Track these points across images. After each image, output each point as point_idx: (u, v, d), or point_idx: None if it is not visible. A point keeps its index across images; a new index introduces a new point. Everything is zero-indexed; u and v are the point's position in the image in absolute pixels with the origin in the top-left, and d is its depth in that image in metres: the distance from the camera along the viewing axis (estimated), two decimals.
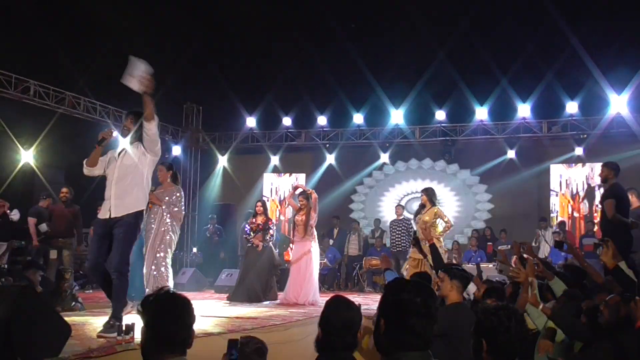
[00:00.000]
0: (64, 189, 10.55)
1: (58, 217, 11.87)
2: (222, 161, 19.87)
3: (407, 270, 9.12)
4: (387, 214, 17.84)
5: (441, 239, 9.37)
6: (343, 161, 18.81)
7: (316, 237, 10.98)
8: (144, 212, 6.62)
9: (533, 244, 14.66)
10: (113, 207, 6.27)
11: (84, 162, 6.57)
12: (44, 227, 10.43)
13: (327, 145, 18.68)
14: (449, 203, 17.87)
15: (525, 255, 6.13)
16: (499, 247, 13.53)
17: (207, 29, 16.91)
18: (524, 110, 16.43)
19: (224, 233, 16.89)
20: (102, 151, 6.55)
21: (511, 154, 17.17)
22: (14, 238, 13.06)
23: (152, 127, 6.36)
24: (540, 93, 15.76)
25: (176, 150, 19.16)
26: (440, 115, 17.14)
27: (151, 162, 6.55)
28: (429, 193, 9.60)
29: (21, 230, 13.61)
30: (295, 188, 11.70)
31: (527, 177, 16.98)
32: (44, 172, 15.78)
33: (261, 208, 11.25)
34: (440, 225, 9.43)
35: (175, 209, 8.75)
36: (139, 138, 6.52)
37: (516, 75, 15.42)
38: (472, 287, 6.14)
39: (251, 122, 18.85)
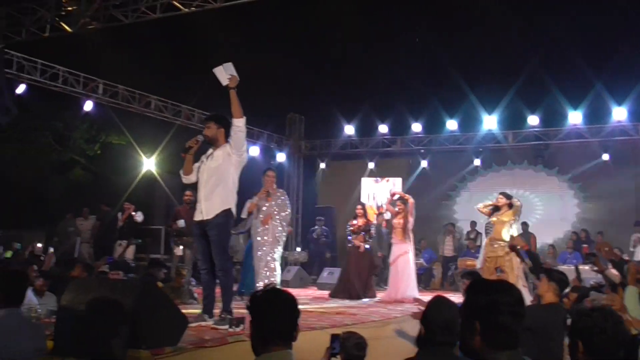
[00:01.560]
0: (188, 192, 10.83)
1: (184, 217, 12.20)
2: (323, 167, 20.08)
3: (483, 270, 8.98)
4: (481, 216, 17.41)
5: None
6: (437, 166, 18.63)
7: (412, 239, 10.82)
8: (234, 211, 6.45)
9: (631, 249, 14.14)
10: (204, 209, 6.20)
11: (180, 172, 6.55)
12: (181, 222, 10.82)
13: (422, 150, 18.50)
14: (543, 206, 17.45)
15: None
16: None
17: (307, 42, 17.12)
18: (619, 113, 15.59)
19: (329, 233, 16.91)
20: (193, 158, 6.47)
21: (605, 157, 16.48)
22: (138, 237, 13.61)
23: (240, 125, 6.21)
24: (637, 95, 14.99)
25: (280, 157, 19.37)
26: (533, 120, 16.54)
27: (237, 163, 6.34)
28: (507, 196, 9.40)
29: (144, 231, 14.36)
30: (392, 195, 11.60)
31: (623, 180, 16.28)
32: (163, 178, 16.48)
33: (361, 210, 11.15)
34: (511, 232, 9.17)
35: (283, 213, 8.81)
36: (225, 139, 6.39)
37: (611, 78, 14.79)
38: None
39: (349, 129, 18.84)
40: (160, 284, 8.48)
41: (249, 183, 8.46)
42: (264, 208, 8.88)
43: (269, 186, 8.96)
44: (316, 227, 16.92)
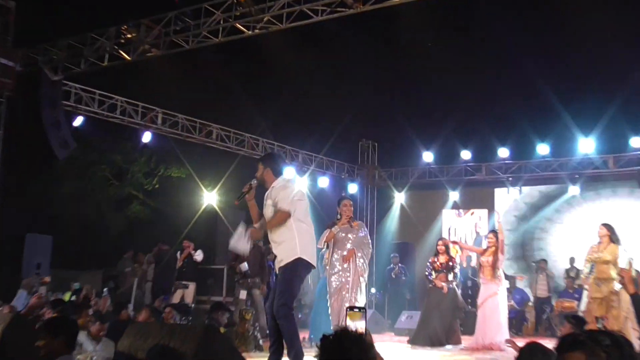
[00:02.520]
0: None
1: (248, 256, 12.21)
2: (399, 198, 19.95)
3: (584, 312, 8.81)
4: (579, 251, 16.90)
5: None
6: (527, 195, 18.36)
7: (503, 278, 10.61)
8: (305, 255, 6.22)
9: None
10: (277, 254, 6.26)
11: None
12: (244, 266, 10.89)
13: (510, 178, 18.18)
14: None
15: None
16: None
17: (379, 64, 17.44)
18: None
19: (407, 272, 16.81)
20: (252, 203, 6.44)
21: None
22: (198, 278, 13.69)
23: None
24: None
25: (352, 188, 19.35)
26: (637, 142, 16.03)
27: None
28: (610, 228, 9.21)
29: (205, 271, 14.46)
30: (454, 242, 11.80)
31: None
32: (225, 213, 16.60)
33: (443, 247, 11.05)
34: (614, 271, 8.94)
35: (366, 249, 8.74)
36: (275, 177, 6.36)
37: None
38: None
39: (428, 156, 18.75)
40: (223, 330, 8.54)
41: (319, 218, 8.43)
42: (348, 243, 8.72)
43: (348, 217, 8.83)
44: (391, 265, 16.84)
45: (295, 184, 6.43)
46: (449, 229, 19.09)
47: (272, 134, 17.27)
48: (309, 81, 16.81)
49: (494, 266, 10.30)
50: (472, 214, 18.82)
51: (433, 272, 11.00)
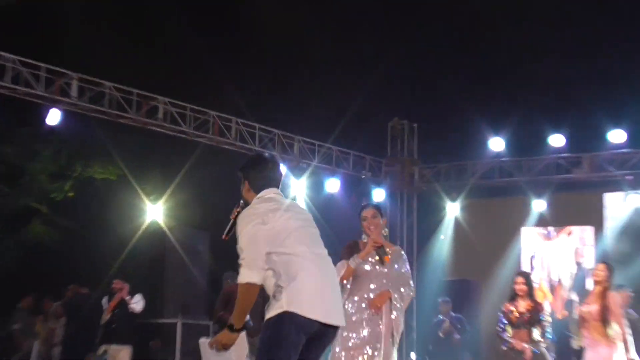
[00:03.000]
0: None
1: None
2: (453, 210, 20.21)
3: None
4: None
5: None
6: None
7: (621, 338, 10.36)
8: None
9: None
10: None
11: None
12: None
13: (629, 176, 18.20)
14: None
15: None
16: None
17: (418, 11, 18.38)
18: None
19: (467, 325, 16.63)
20: None
21: None
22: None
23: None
24: None
25: (378, 195, 19.45)
26: None
27: None
28: None
29: (148, 327, 14.48)
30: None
31: None
32: (179, 234, 16.84)
33: (524, 287, 10.92)
34: None
35: (403, 288, 8.32)
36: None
37: None
38: None
39: (498, 144, 18.85)
40: None
41: (327, 241, 8.20)
42: (376, 280, 8.39)
43: (377, 237, 8.34)
44: (439, 316, 16.76)
45: (271, 202, 6.03)
46: (533, 258, 19.28)
47: (252, 112, 17.55)
48: (308, 35, 17.80)
49: (606, 318, 10.19)
50: (570, 233, 18.97)
51: (508, 328, 10.92)
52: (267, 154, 6.74)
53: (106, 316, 13.45)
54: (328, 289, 5.86)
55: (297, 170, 17.80)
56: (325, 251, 5.99)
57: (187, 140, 16.55)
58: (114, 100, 15.41)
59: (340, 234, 8.80)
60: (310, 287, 5.77)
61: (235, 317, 5.82)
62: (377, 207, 8.65)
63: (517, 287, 10.93)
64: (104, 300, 13.63)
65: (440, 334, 16.55)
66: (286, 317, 5.66)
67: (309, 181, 18.18)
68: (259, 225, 5.72)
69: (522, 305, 10.80)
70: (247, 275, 5.68)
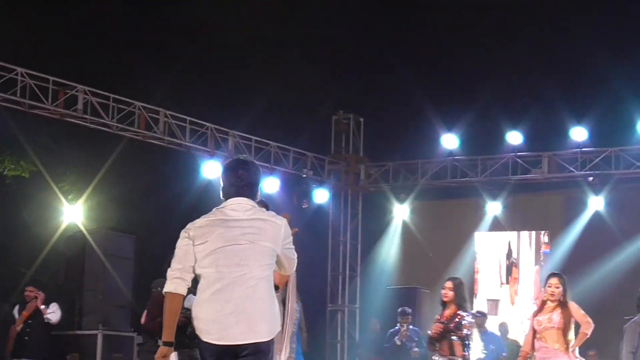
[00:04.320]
0: None
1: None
2: (401, 212, 20.29)
3: None
4: None
5: None
6: (621, 206, 18.66)
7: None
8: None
9: None
10: None
11: None
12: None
13: (591, 177, 18.35)
14: None
15: None
16: None
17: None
18: None
19: (422, 339, 16.14)
20: None
21: None
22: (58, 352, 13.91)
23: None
24: None
25: (321, 196, 19.41)
26: None
27: None
28: None
29: (65, 339, 14.62)
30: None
31: None
32: (100, 238, 16.09)
33: (450, 292, 10.69)
34: None
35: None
36: None
37: None
38: None
39: (451, 141, 19.00)
40: None
41: None
42: None
43: None
44: (397, 325, 16.47)
45: (213, 217, 6.23)
46: (488, 263, 19.63)
47: (183, 104, 17.51)
48: (245, 21, 18.15)
49: (566, 330, 10.09)
50: (532, 239, 19.07)
51: (431, 340, 11.03)
52: (235, 159, 6.78)
53: (17, 327, 13.19)
54: (226, 310, 6.11)
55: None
56: (244, 269, 6.10)
57: (110, 134, 16.37)
58: (28, 88, 15.20)
59: None
60: (204, 311, 6.16)
61: (164, 330, 6.20)
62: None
63: (442, 292, 10.83)
64: (15, 310, 13.38)
65: (398, 342, 16.39)
66: (200, 342, 6.20)
67: None
68: (187, 239, 6.10)
69: (447, 313, 10.74)
70: (166, 285, 6.12)
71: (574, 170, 18.45)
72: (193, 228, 6.05)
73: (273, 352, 6.53)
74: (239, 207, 6.13)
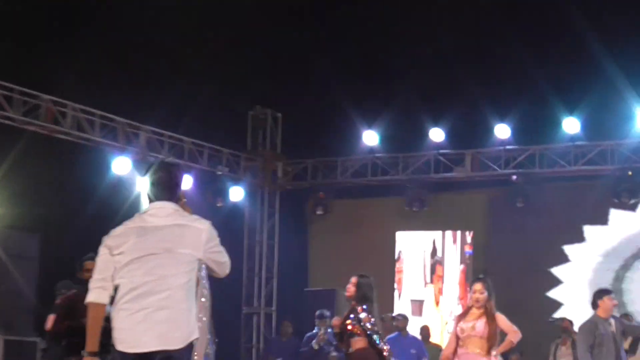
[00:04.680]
0: (89, 263, 9.75)
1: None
2: (320, 211, 20.07)
3: None
4: (634, 301, 18.15)
5: None
6: (544, 205, 18.77)
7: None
8: None
9: None
10: None
11: None
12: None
13: (514, 176, 18.47)
14: None
15: None
16: None
17: None
18: None
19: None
20: None
21: None
22: None
23: None
24: None
25: (236, 194, 19.29)
26: None
27: None
28: None
29: None
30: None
31: None
32: (3, 238, 16.36)
33: (352, 288, 10.53)
34: None
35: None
36: None
37: None
38: None
39: (372, 138, 19.08)
40: None
41: None
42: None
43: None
44: (317, 328, 16.10)
45: (132, 223, 6.51)
46: (410, 262, 19.46)
47: (90, 97, 17.18)
48: (156, 10, 17.41)
49: (493, 335, 10.19)
50: (455, 239, 19.14)
51: (336, 338, 11.37)
52: (158, 161, 7.40)
53: None
54: (137, 319, 6.32)
55: (142, 165, 17.05)
56: (159, 279, 6.29)
57: (13, 128, 16.10)
58: None
59: None
60: (118, 320, 6.32)
61: (88, 339, 6.50)
62: None
63: (347, 287, 10.72)
64: None
65: (315, 345, 16.18)
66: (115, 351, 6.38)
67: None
68: (105, 249, 6.38)
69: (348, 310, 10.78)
70: (88, 295, 6.38)
71: (497, 168, 18.66)
72: (111, 238, 6.30)
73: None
74: (159, 211, 6.33)
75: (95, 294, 6.29)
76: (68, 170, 17.22)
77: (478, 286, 10.38)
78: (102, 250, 6.32)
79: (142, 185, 17.02)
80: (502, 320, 10.34)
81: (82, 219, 16.26)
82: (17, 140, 16.10)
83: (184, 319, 6.34)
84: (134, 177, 17.40)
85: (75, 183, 17.52)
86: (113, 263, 6.27)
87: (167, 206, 6.33)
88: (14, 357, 14.58)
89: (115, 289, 6.32)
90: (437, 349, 15.45)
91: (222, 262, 6.49)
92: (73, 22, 18.81)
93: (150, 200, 6.44)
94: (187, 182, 17.57)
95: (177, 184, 6.53)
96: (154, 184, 6.42)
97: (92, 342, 6.39)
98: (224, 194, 18.85)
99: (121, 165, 17.09)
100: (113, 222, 17.07)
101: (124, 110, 17.54)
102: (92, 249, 12.41)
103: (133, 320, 6.20)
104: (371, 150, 19.21)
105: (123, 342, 6.24)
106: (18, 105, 15.92)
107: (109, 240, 6.27)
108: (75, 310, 9.86)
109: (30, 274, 15.71)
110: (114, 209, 16.53)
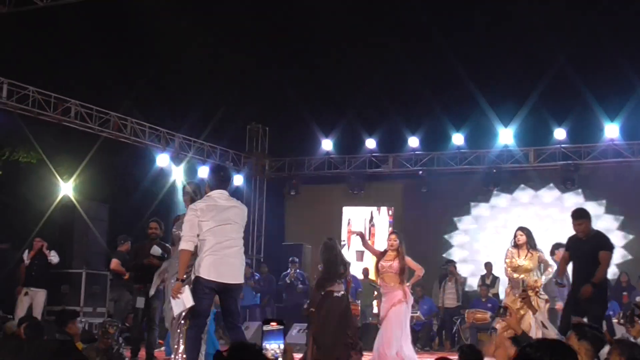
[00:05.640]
0: (153, 224, 10.30)
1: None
2: (293, 193, 20.33)
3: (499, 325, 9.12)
4: (495, 255, 16.93)
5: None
6: (440, 191, 18.98)
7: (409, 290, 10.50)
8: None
9: None
10: None
11: None
12: (157, 250, 10.10)
13: (420, 172, 18.88)
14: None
15: None
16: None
17: (273, 35, 17.51)
18: None
19: (306, 280, 16.88)
20: None
21: None
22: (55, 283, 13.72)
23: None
24: None
25: (238, 180, 19.31)
26: (560, 134, 17.08)
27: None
28: (528, 232, 9.79)
29: (60, 276, 14.30)
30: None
31: None
32: (85, 206, 16.20)
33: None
34: (538, 275, 9.60)
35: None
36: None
37: None
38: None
39: (327, 144, 19.30)
40: (81, 346, 8.48)
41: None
42: None
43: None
44: (289, 269, 17.04)
45: (199, 204, 7.09)
46: (352, 229, 19.25)
47: (142, 113, 17.35)
48: (186, 51, 17.05)
49: (402, 271, 10.17)
50: (379, 211, 19.39)
51: None
52: (224, 166, 8.56)
53: (26, 263, 13.19)
54: (223, 261, 6.94)
55: (176, 160, 17.78)
56: (230, 238, 7.02)
57: (92, 134, 16.28)
58: (37, 101, 15.10)
59: None
60: (207, 260, 6.91)
61: (179, 271, 7.01)
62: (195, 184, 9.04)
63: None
64: (25, 253, 13.33)
65: (288, 281, 16.86)
66: (197, 278, 6.92)
67: (185, 167, 18.11)
68: (194, 216, 6.94)
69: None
70: (180, 244, 6.98)
71: (409, 166, 18.87)
72: (198, 210, 6.93)
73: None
74: (222, 196, 7.08)
75: (186, 244, 6.87)
76: (127, 163, 17.87)
77: (393, 236, 10.40)
78: (192, 216, 6.95)
79: (176, 173, 17.57)
80: (410, 261, 10.20)
81: (136, 196, 16.76)
82: (95, 143, 16.41)
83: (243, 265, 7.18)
84: (171, 168, 17.62)
85: (132, 171, 17.91)
86: (199, 226, 6.90)
87: (225, 193, 7.13)
88: (93, 284, 14.53)
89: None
90: (372, 283, 15.33)
91: None
92: (131, 55, 18.13)
93: (212, 188, 7.17)
94: (207, 172, 17.80)
95: (229, 179, 7.50)
96: (221, 179, 7.25)
97: (181, 273, 6.98)
98: (230, 180, 18.70)
99: (162, 160, 17.33)
100: (157, 199, 16.99)
101: (165, 122, 17.64)
102: (143, 215, 12.93)
103: (218, 262, 6.89)
104: (327, 152, 19.42)
105: (211, 275, 6.86)
106: (95, 119, 16.19)
107: (197, 211, 6.91)
108: (139, 254, 10.32)
109: (102, 230, 15.63)
110: (157, 190, 17.19)
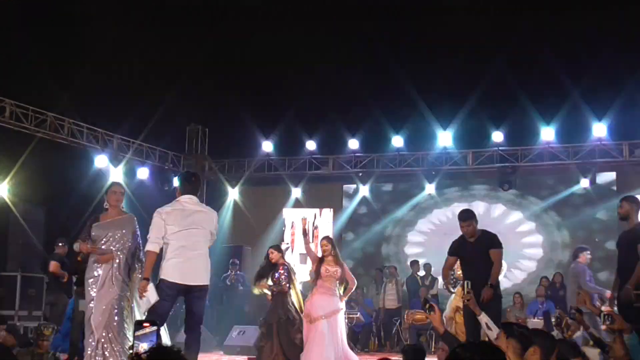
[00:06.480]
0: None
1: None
2: (233, 194, 20.29)
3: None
4: (435, 256, 17.09)
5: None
6: (379, 193, 19.36)
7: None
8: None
9: None
10: None
11: None
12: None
13: (360, 174, 19.08)
14: (511, 242, 17.15)
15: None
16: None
17: (212, 36, 17.36)
18: (599, 129, 16.40)
19: (247, 281, 16.66)
20: None
21: (585, 182, 17.24)
22: None
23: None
24: (618, 110, 15.73)
25: (177, 182, 18.86)
26: (497, 136, 17.29)
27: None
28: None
29: None
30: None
31: (608, 210, 16.75)
32: (20, 208, 15.97)
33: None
34: None
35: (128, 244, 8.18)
36: None
37: (591, 88, 15.59)
38: None
39: (267, 146, 19.26)
40: (17, 350, 8.54)
41: (138, 215, 8.51)
42: (103, 240, 8.15)
43: (114, 207, 8.31)
44: (229, 271, 17.11)
45: (166, 207, 7.36)
46: (293, 230, 19.07)
47: (80, 113, 17.09)
48: (125, 51, 16.86)
49: (342, 280, 10.38)
50: (321, 213, 19.05)
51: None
52: (190, 171, 8.70)
53: None
54: (185, 264, 7.19)
55: (114, 161, 17.52)
56: (194, 242, 7.31)
57: (27, 134, 15.92)
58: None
59: (149, 210, 8.57)
60: (170, 262, 7.19)
61: (145, 270, 7.24)
62: (120, 185, 8.83)
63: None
64: None
65: (228, 283, 16.94)
66: (161, 280, 7.21)
67: (124, 169, 17.78)
68: (160, 219, 7.21)
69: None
70: (147, 246, 7.22)
71: (349, 168, 18.94)
72: (164, 213, 7.24)
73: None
74: (190, 201, 7.43)
75: (152, 246, 7.11)
76: (65, 164, 17.34)
77: (324, 241, 10.56)
78: (157, 219, 7.19)
79: (114, 174, 17.02)
80: (347, 270, 10.45)
81: (73, 197, 16.24)
82: (30, 143, 15.98)
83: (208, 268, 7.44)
84: (109, 169, 17.28)
85: (69, 173, 17.59)
86: (164, 229, 7.13)
87: (194, 198, 7.44)
88: (27, 287, 14.45)
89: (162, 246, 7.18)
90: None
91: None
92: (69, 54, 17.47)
93: (181, 193, 7.44)
94: (145, 173, 18.21)
95: (199, 185, 7.78)
96: (187, 183, 7.56)
97: (147, 273, 7.18)
98: (169, 181, 18.38)
99: (100, 161, 17.01)
100: (95, 200, 16.82)
101: (103, 123, 17.35)
102: (81, 217, 12.70)
103: (182, 265, 7.14)
104: (267, 154, 19.33)
105: (174, 276, 7.11)
106: (30, 119, 15.87)
107: (163, 215, 7.19)
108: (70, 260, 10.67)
109: (38, 232, 15.58)
110: (95, 191, 15.76)
